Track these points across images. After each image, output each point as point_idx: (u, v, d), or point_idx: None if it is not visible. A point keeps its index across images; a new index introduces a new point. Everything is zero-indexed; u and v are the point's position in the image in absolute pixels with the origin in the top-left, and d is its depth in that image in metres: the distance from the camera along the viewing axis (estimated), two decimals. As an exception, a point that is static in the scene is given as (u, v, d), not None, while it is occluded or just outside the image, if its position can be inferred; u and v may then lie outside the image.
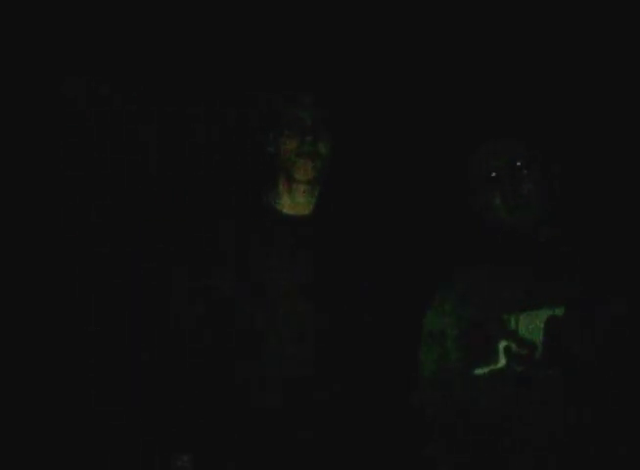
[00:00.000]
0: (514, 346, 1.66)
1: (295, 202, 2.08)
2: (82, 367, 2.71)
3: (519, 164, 1.76)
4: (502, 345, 1.68)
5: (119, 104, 2.79)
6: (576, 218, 1.83)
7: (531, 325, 1.65)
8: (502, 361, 1.68)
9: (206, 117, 2.80)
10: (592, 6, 2.56)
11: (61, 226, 2.75)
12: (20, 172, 2.73)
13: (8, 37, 2.69)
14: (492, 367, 1.69)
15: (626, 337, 1.62)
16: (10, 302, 2.69)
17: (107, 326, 2.71)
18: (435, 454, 1.79)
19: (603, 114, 2.58)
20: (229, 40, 2.78)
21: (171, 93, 2.81)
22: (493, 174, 1.78)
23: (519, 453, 1.67)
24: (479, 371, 1.71)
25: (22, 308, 2.71)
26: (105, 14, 2.74)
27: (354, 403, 2.01)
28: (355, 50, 2.75)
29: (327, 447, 1.99)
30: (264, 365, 1.96)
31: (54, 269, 2.74)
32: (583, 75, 2.61)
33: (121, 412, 2.60)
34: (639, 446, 1.61)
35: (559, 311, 1.64)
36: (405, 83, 2.77)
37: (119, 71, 2.77)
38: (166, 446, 2.02)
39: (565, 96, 2.57)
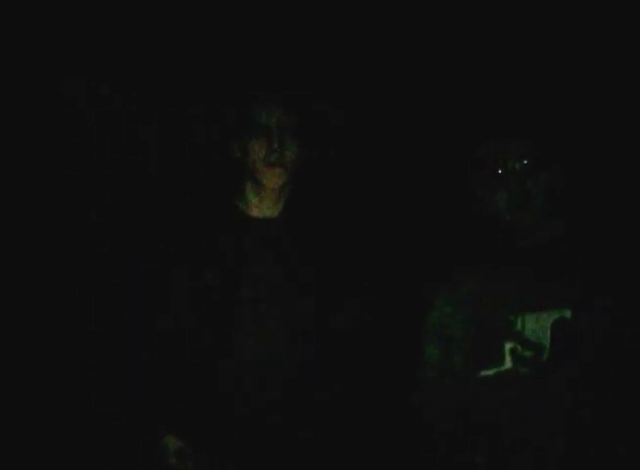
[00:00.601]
0: (519, 347, 1.66)
1: (262, 206, 2.07)
2: (80, 366, 2.71)
3: (526, 162, 1.76)
4: (508, 346, 1.67)
5: (119, 104, 2.79)
6: (581, 219, 1.83)
7: (538, 327, 1.65)
8: (508, 363, 1.67)
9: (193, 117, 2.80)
10: (600, 6, 2.56)
11: (61, 226, 2.75)
12: (20, 172, 2.73)
13: (8, 37, 2.69)
14: (498, 369, 1.68)
15: (631, 339, 1.62)
16: (10, 301, 2.69)
17: (104, 325, 2.71)
18: (435, 455, 1.80)
19: (606, 115, 2.58)
20: (224, 41, 2.77)
21: (171, 93, 2.81)
22: (500, 171, 1.77)
23: (519, 454, 1.67)
24: (484, 373, 1.70)
25: (21, 308, 2.71)
26: (104, 14, 2.74)
27: (354, 404, 2.02)
28: (338, 49, 2.73)
29: (327, 448, 2.00)
30: (238, 366, 1.97)
31: (54, 269, 2.74)
32: (593, 77, 2.60)
33: (121, 413, 2.60)
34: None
35: (565, 313, 1.64)
36: (403, 82, 2.77)
37: (119, 71, 2.77)
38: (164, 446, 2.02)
39: (570, 97, 2.56)
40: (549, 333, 1.64)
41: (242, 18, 2.78)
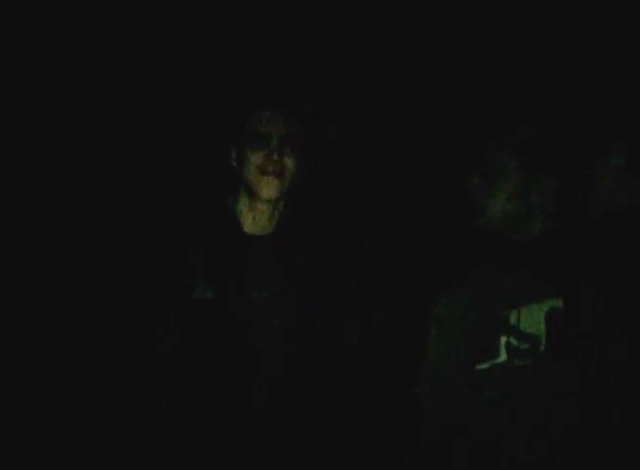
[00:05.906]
0: (514, 340, 1.66)
1: (256, 221, 2.03)
2: (79, 369, 2.72)
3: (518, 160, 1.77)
4: (503, 340, 1.68)
5: (124, 104, 2.80)
6: (571, 210, 1.83)
7: (532, 319, 1.66)
8: (503, 356, 1.68)
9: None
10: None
11: (60, 226, 2.76)
12: (20, 172, 2.74)
13: (8, 37, 2.70)
14: (493, 362, 1.69)
15: (626, 326, 1.61)
16: (8, 301, 2.70)
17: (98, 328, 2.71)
18: (433, 448, 1.79)
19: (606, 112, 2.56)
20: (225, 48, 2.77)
21: (171, 93, 2.81)
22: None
23: (516, 448, 1.66)
24: (480, 366, 1.71)
25: (20, 308, 2.71)
26: (104, 14, 2.76)
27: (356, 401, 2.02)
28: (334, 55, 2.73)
29: (325, 447, 1.99)
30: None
31: (53, 269, 2.75)
32: (592, 76, 2.59)
33: (117, 417, 2.60)
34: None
35: (557, 302, 1.64)
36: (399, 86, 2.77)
37: (119, 71, 2.78)
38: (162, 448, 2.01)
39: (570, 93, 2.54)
40: (543, 324, 1.64)
41: (244, 25, 2.78)
